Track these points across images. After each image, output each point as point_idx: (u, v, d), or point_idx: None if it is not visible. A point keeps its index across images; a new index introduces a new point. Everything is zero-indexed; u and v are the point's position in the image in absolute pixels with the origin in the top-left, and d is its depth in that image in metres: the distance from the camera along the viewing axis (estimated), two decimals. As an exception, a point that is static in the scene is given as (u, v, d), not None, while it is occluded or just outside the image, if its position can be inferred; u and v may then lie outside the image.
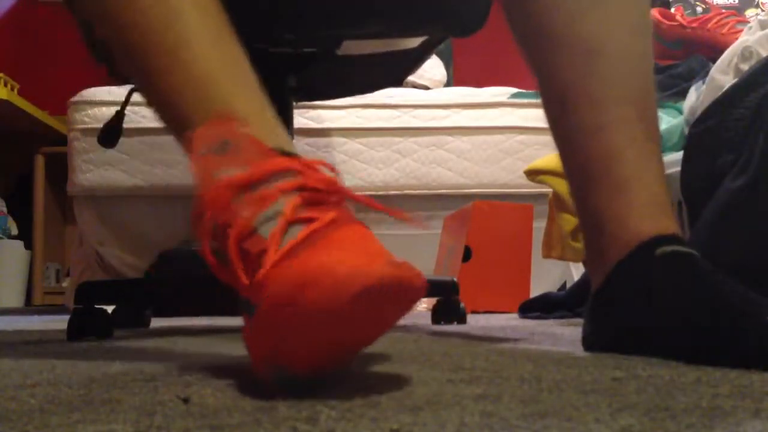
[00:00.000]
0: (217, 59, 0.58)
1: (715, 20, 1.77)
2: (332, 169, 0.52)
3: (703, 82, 1.37)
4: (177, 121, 0.57)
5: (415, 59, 1.31)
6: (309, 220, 0.47)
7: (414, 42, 1.25)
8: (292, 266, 0.44)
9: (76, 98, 2.35)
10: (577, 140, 0.73)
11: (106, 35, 0.63)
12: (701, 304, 0.61)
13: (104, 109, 2.29)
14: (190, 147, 0.53)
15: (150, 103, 0.61)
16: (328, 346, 0.45)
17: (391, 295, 0.44)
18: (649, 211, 0.70)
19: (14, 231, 3.66)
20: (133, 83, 0.63)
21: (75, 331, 1.08)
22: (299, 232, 0.46)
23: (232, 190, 0.49)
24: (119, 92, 2.29)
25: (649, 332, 0.64)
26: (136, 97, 2.44)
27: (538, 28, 0.75)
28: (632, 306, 0.67)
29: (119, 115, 1.23)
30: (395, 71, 1.38)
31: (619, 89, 0.72)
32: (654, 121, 0.74)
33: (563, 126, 0.75)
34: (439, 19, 1.10)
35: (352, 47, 1.19)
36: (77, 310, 1.10)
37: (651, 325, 0.64)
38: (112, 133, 1.23)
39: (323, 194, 0.49)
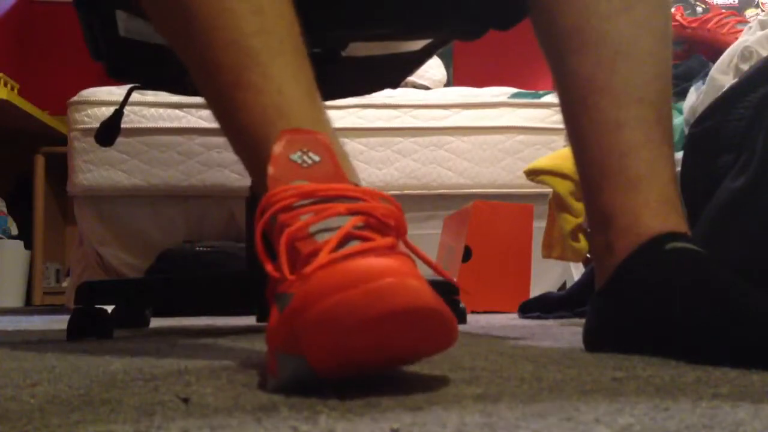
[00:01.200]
0: (308, 102, 0.61)
1: (715, 20, 1.77)
2: (396, 205, 0.53)
3: (703, 82, 1.37)
4: (251, 136, 0.60)
5: (415, 62, 1.31)
6: (366, 239, 0.48)
7: (416, 45, 1.25)
8: (342, 265, 0.44)
9: (76, 98, 2.35)
10: (595, 135, 0.75)
11: (188, 48, 0.65)
12: (709, 299, 0.62)
13: (104, 109, 2.29)
14: (276, 141, 0.55)
15: (227, 121, 0.63)
16: (350, 349, 0.44)
17: (428, 327, 0.45)
18: (661, 208, 0.71)
19: (14, 231, 3.66)
20: (202, 95, 0.65)
21: (75, 331, 1.08)
22: (355, 246, 0.47)
23: (300, 196, 0.51)
24: (119, 92, 2.29)
25: (654, 325, 0.65)
26: (137, 96, 2.42)
27: (568, 27, 0.76)
28: (639, 298, 0.67)
29: (117, 114, 1.23)
30: (394, 74, 1.37)
31: (640, 90, 0.74)
32: (670, 125, 0.76)
33: (581, 121, 0.76)
34: (448, 22, 1.10)
35: (355, 49, 1.19)
36: (77, 310, 1.10)
37: (657, 318, 0.64)
38: (109, 131, 1.23)
39: (384, 225, 0.50)
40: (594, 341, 0.74)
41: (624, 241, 0.71)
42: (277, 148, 0.55)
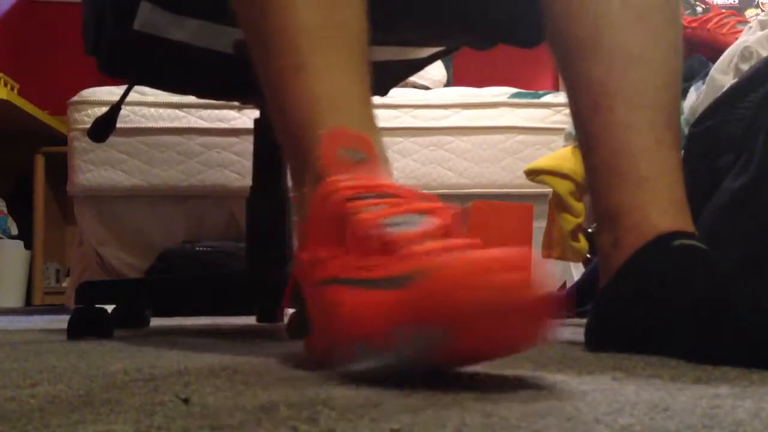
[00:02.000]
0: (362, 100, 0.64)
1: (715, 20, 1.77)
2: (455, 211, 0.55)
3: (703, 82, 1.37)
4: (299, 120, 0.62)
5: (417, 68, 1.31)
6: (445, 237, 0.50)
7: (426, 52, 1.24)
8: (470, 254, 0.45)
9: (76, 98, 2.34)
10: (606, 136, 0.76)
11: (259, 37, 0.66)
12: (709, 298, 0.62)
13: (104, 109, 2.27)
14: (325, 132, 0.57)
15: (279, 105, 0.65)
16: (442, 350, 0.45)
17: (528, 331, 0.45)
18: (670, 208, 0.72)
19: (14, 231, 3.66)
20: (264, 88, 0.67)
21: (75, 331, 1.08)
22: (446, 242, 0.49)
23: (358, 189, 0.53)
24: (119, 92, 2.27)
25: (654, 324, 0.65)
26: (137, 96, 2.41)
27: (581, 36, 0.77)
28: (641, 298, 0.67)
29: (115, 110, 1.23)
30: (391, 79, 1.36)
31: (652, 97, 0.75)
32: (678, 133, 0.77)
33: (593, 123, 0.77)
34: (471, 33, 1.09)
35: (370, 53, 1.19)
36: (77, 310, 1.10)
37: (657, 317, 0.65)
38: (104, 127, 1.23)
39: (454, 228, 0.53)
40: (594, 341, 0.74)
41: (631, 239, 0.71)
42: (326, 140, 0.57)
